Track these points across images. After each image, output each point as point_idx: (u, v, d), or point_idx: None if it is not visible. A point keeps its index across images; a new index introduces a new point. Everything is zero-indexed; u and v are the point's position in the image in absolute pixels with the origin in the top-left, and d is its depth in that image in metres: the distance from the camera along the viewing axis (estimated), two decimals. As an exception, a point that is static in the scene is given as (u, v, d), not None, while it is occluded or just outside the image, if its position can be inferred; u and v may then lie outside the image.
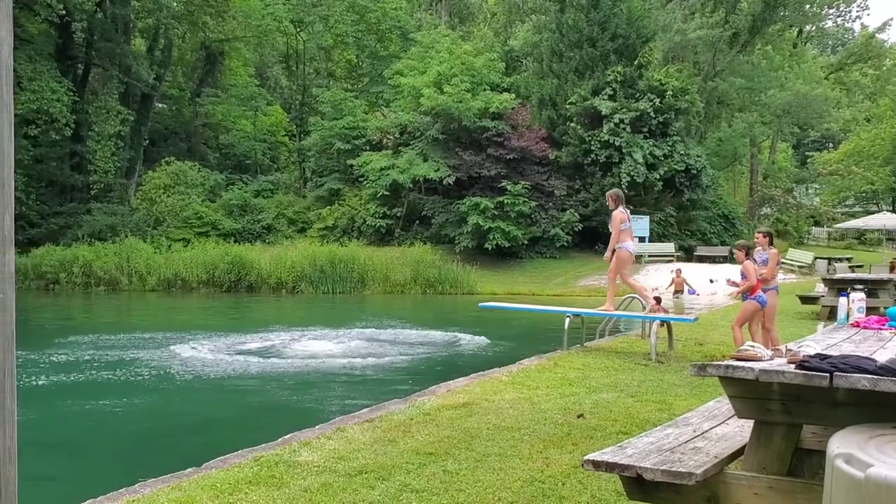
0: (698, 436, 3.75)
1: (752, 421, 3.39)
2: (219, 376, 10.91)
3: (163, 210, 33.64)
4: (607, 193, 11.60)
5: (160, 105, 41.71)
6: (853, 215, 43.96)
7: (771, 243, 9.98)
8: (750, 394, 3.27)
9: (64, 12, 32.12)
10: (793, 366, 3.14)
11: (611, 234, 11.21)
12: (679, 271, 21.32)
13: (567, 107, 32.93)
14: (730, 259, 30.64)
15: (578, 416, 6.50)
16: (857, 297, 5.91)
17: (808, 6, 42.86)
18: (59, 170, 36.02)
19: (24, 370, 11.05)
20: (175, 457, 6.45)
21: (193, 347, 13.51)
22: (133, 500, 4.47)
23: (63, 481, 6.63)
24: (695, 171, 32.66)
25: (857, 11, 67.91)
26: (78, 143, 34.93)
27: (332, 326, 16.67)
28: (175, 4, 38.53)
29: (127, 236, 30.92)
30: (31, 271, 28.93)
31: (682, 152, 32.37)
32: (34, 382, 10.40)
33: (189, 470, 5.13)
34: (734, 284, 10.18)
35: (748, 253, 9.79)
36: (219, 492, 4.54)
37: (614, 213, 11.03)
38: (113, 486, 4.80)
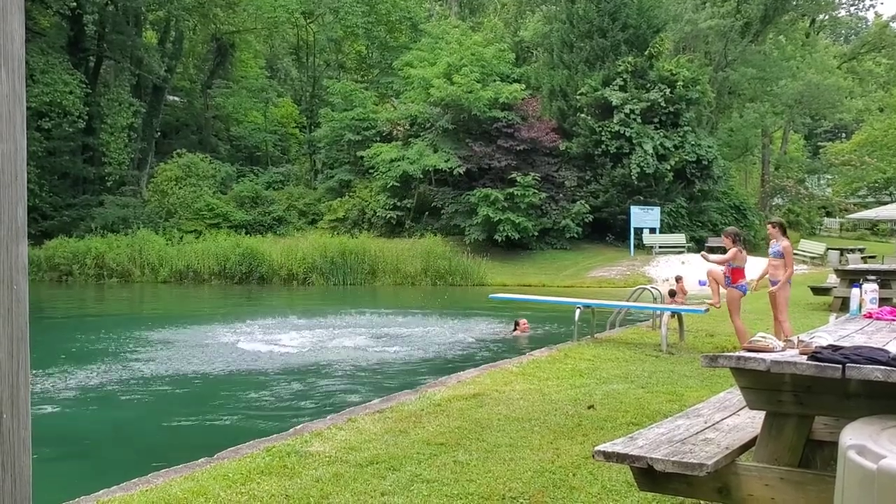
0: (709, 427, 3.74)
1: (764, 412, 3.38)
2: (230, 367, 10.96)
3: (174, 202, 33.77)
4: None
5: (171, 97, 41.81)
6: (865, 206, 43.61)
7: (784, 233, 9.74)
8: (761, 385, 3.26)
9: (75, 5, 32.24)
10: (805, 357, 3.13)
11: None
12: (680, 278, 20.66)
13: (577, 97, 32.81)
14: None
15: (589, 407, 6.50)
16: (870, 288, 5.88)
17: (820, -5, 42.50)
18: (71, 162, 36.20)
19: (38, 361, 11.14)
20: (187, 447, 6.49)
21: (206, 338, 13.59)
22: (146, 490, 4.50)
23: (76, 471, 6.69)
24: (706, 162, 32.51)
25: (871, 0, 67.42)
26: (90, 135, 35.09)
27: (342, 318, 16.71)
28: (186, -4, 38.59)
29: (139, 228, 31.07)
30: (45, 263, 29.13)
31: (693, 143, 32.22)
32: (47, 374, 10.47)
33: (202, 460, 5.16)
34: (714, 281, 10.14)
35: (735, 239, 9.76)
36: (231, 482, 4.57)
37: None
38: (126, 476, 4.84)
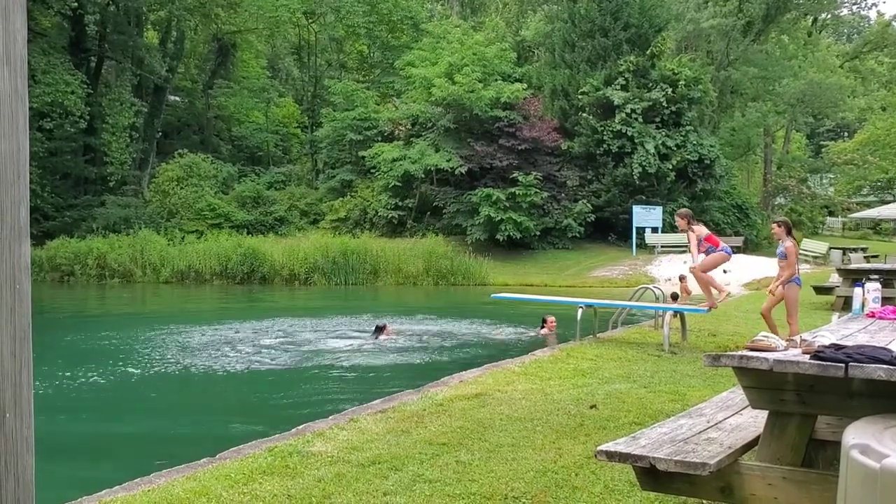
0: (712, 426, 3.74)
1: (767, 411, 3.38)
2: (232, 367, 10.96)
3: (176, 202, 33.78)
4: None
5: (173, 97, 41.84)
6: (868, 205, 43.55)
7: (789, 233, 9.59)
8: (764, 384, 3.26)
9: (76, 5, 32.26)
10: (807, 356, 3.12)
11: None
12: (683, 278, 20.46)
13: (579, 97, 32.80)
14: (743, 250, 30.53)
15: (591, 407, 6.50)
16: (873, 287, 5.88)
17: (822, -7, 42.46)
18: (73, 162, 36.23)
19: (40, 361, 11.13)
20: (190, 447, 6.49)
21: (208, 338, 13.59)
22: (149, 490, 4.50)
23: (79, 470, 6.69)
24: (708, 162, 32.49)
25: (873, -1, 67.31)
26: (92, 135, 35.11)
27: (344, 318, 16.72)
28: (187, -4, 38.62)
29: (141, 228, 31.08)
30: (46, 263, 29.15)
31: (695, 142, 32.20)
32: (50, 373, 10.47)
33: (204, 460, 5.16)
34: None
35: (690, 221, 10.09)
36: (233, 482, 4.57)
37: None
38: (128, 476, 4.84)
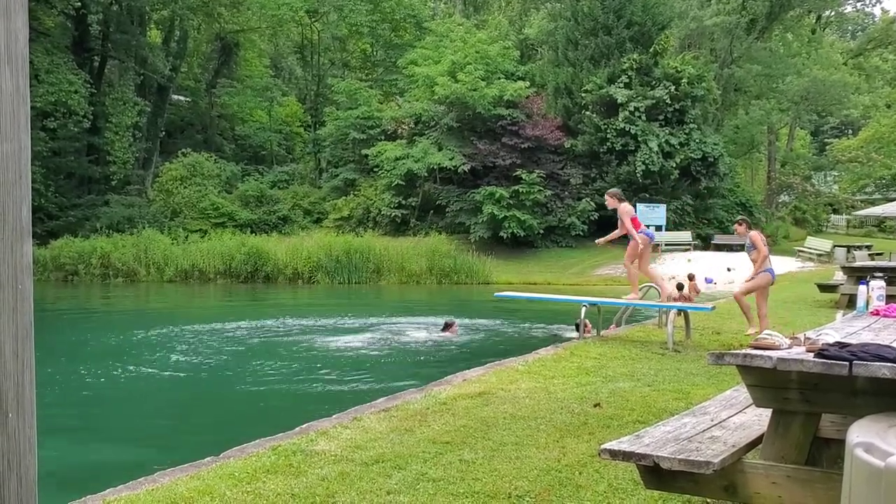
0: (716, 425, 3.73)
1: (770, 410, 3.37)
2: (234, 366, 10.97)
3: (180, 201, 33.83)
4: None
5: (176, 97, 41.89)
6: (872, 203, 43.47)
7: (749, 228, 10.20)
8: (768, 382, 3.25)
9: (80, 4, 32.32)
10: (811, 354, 3.11)
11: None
12: (693, 276, 20.09)
13: (582, 95, 32.77)
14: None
15: (595, 406, 6.49)
16: (878, 285, 5.85)
17: (827, -9, 42.36)
18: (76, 162, 36.30)
19: (42, 361, 11.15)
20: (193, 446, 6.49)
21: (211, 337, 13.60)
22: (152, 489, 4.50)
23: (81, 470, 6.70)
24: (711, 159, 32.44)
25: (877, -4, 67.24)
26: (95, 135, 35.17)
27: (347, 318, 16.72)
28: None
29: (144, 228, 31.12)
30: (50, 263, 29.21)
31: (699, 140, 32.15)
32: (51, 373, 10.49)
33: (207, 459, 5.16)
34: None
35: (620, 198, 10.96)
36: (237, 480, 4.57)
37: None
38: (132, 476, 4.84)
